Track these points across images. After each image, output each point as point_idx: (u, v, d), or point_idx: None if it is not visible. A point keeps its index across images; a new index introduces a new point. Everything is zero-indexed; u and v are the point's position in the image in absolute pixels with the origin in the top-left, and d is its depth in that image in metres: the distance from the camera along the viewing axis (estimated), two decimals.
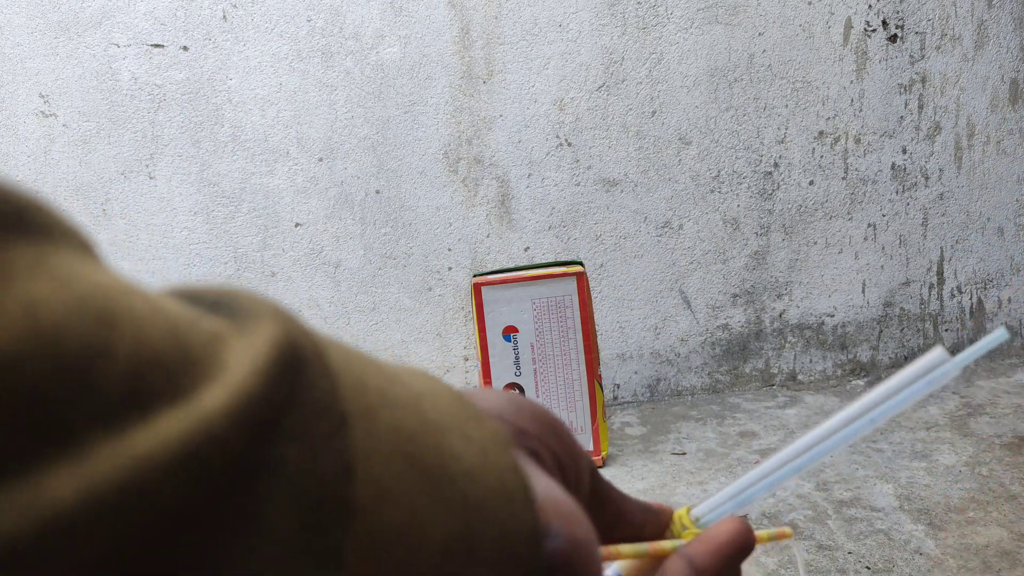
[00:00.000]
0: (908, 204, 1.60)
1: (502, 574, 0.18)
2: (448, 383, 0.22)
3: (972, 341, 1.66)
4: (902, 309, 1.63)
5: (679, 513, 0.29)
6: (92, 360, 0.13)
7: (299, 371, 0.16)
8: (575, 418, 1.27)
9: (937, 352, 0.27)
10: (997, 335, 0.26)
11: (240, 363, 0.15)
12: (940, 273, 1.63)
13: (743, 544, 0.26)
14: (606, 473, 1.22)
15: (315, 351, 0.17)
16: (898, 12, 1.54)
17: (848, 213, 1.58)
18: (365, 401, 0.17)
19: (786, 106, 1.53)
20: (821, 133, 1.55)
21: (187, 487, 0.13)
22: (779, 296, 1.58)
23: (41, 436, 0.12)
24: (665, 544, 0.27)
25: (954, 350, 1.65)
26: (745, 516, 0.29)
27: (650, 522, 0.27)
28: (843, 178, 1.57)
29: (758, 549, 0.99)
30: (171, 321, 0.15)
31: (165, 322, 0.15)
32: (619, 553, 0.26)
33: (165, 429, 0.13)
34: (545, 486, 0.20)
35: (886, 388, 0.27)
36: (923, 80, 1.57)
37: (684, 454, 1.29)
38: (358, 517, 0.16)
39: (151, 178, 1.41)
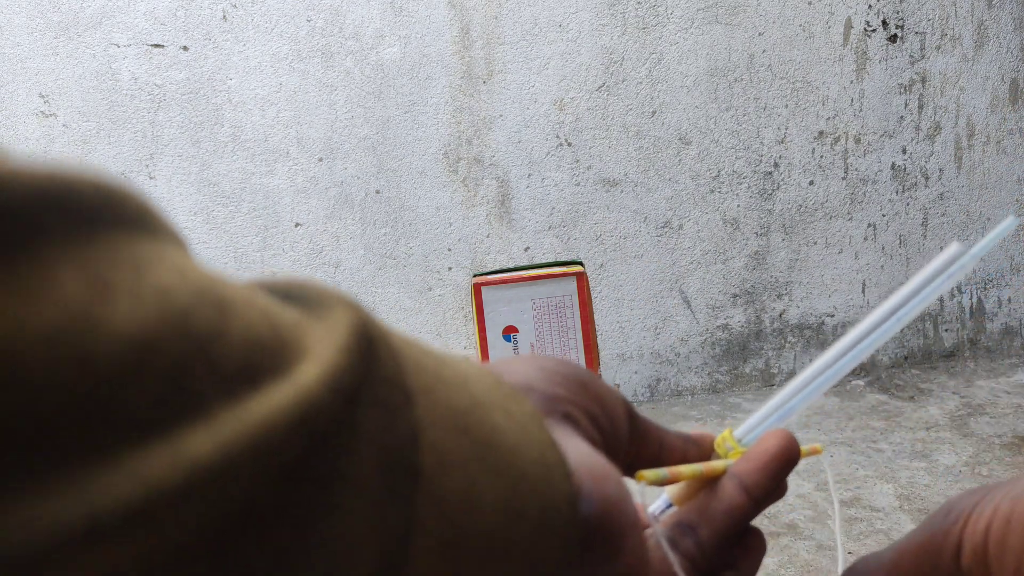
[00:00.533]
0: (908, 204, 1.60)
1: (545, 534, 0.19)
2: (484, 365, 0.23)
3: (972, 341, 1.66)
4: None
5: (722, 436, 0.30)
6: (213, 341, 0.15)
7: (372, 350, 0.18)
8: None
9: (954, 247, 0.27)
10: (1008, 223, 0.27)
11: (325, 344, 0.17)
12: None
13: (788, 456, 0.27)
14: None
15: (382, 334, 0.19)
16: (898, 12, 1.54)
17: (848, 213, 1.58)
18: (424, 379, 0.19)
19: (786, 106, 1.53)
20: (821, 133, 1.55)
21: (298, 445, 0.16)
22: (779, 296, 1.58)
23: (178, 404, 0.14)
24: (717, 464, 0.27)
25: (955, 349, 1.65)
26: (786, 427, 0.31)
27: (692, 450, 0.29)
28: (843, 178, 1.57)
29: None
30: (265, 309, 0.17)
31: (262, 309, 0.17)
32: (679, 475, 0.26)
33: (277, 398, 0.15)
34: (578, 451, 0.22)
35: (909, 288, 0.28)
36: (923, 80, 1.57)
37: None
38: (424, 480, 0.18)
39: (151, 178, 1.41)
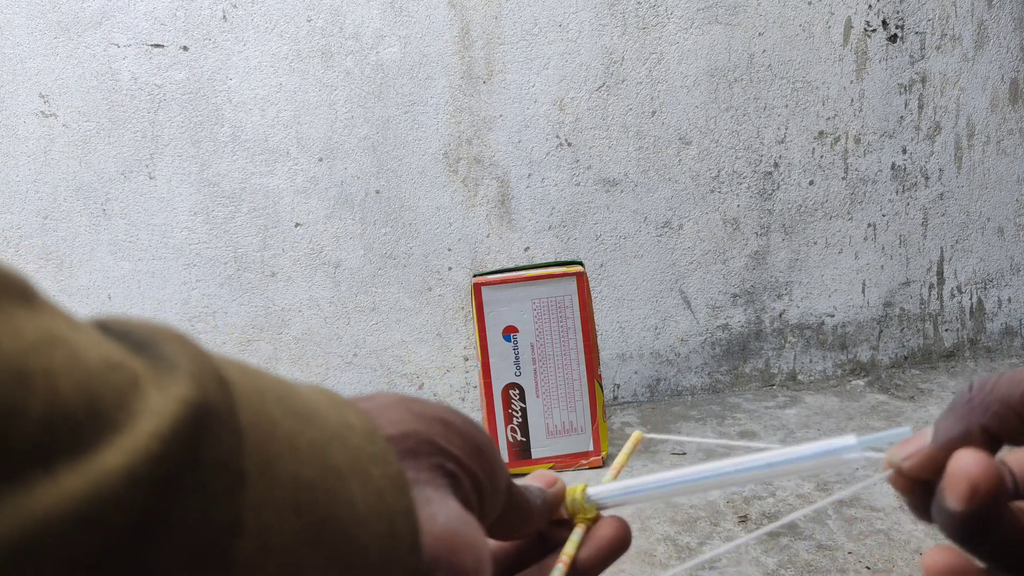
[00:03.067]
0: (908, 204, 1.60)
1: None
2: (367, 411, 0.22)
3: (972, 341, 1.66)
4: (902, 309, 1.63)
5: (573, 490, 0.31)
6: (5, 419, 0.14)
7: (204, 430, 0.17)
8: (575, 418, 1.27)
9: (851, 439, 0.29)
10: (902, 431, 0.29)
11: (145, 422, 0.16)
12: (940, 273, 1.63)
13: (622, 546, 0.30)
14: (605, 473, 1.22)
15: (227, 408, 0.18)
16: (898, 12, 1.55)
17: (848, 213, 1.58)
18: (269, 452, 0.18)
19: (786, 106, 1.53)
20: (821, 133, 1.55)
21: (85, 542, 0.14)
22: (779, 296, 1.58)
23: None
24: (569, 550, 0.29)
25: (954, 351, 1.65)
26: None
27: (544, 519, 0.30)
28: (843, 178, 1.57)
29: (758, 548, 0.99)
30: (86, 373, 0.16)
31: (80, 375, 0.16)
32: None
33: (66, 486, 0.14)
34: (447, 516, 0.22)
35: (790, 452, 0.30)
36: (923, 80, 1.57)
37: (684, 454, 1.29)
38: (240, 568, 0.17)
39: (151, 178, 1.41)
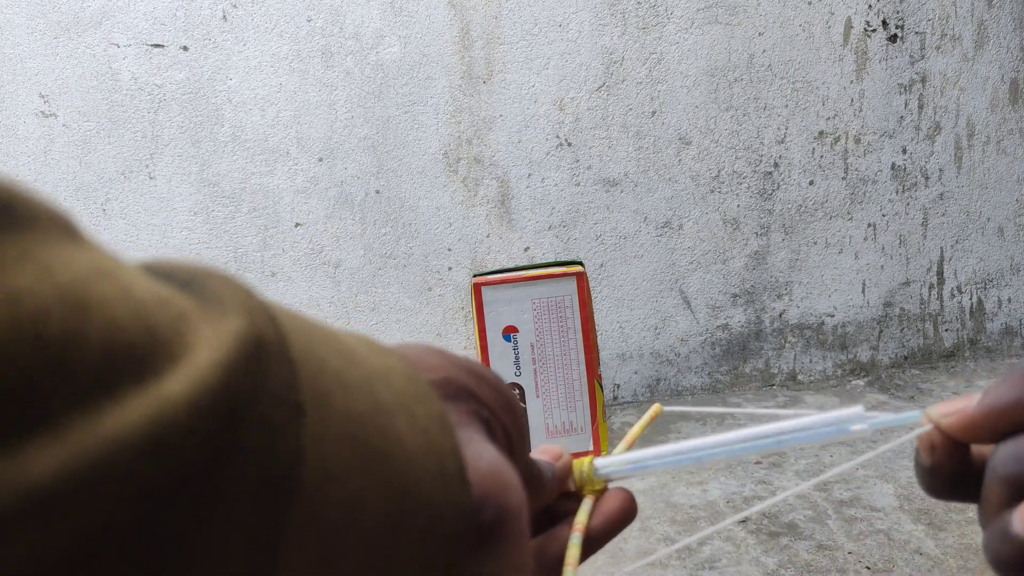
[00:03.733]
0: (908, 204, 1.60)
1: (431, 542, 0.19)
2: (405, 356, 0.23)
3: (972, 341, 1.66)
4: (902, 309, 1.63)
5: (581, 462, 0.32)
6: (68, 346, 0.14)
7: (260, 362, 0.17)
8: (575, 418, 1.27)
9: (856, 409, 0.29)
10: (912, 415, 0.28)
11: (203, 353, 0.16)
12: (940, 273, 1.63)
13: (628, 518, 0.31)
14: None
15: (278, 341, 0.18)
16: (898, 12, 1.55)
17: (848, 213, 1.58)
18: (321, 386, 0.18)
19: (786, 106, 1.53)
20: (821, 133, 1.55)
21: (154, 470, 0.15)
22: (779, 296, 1.58)
23: (22, 417, 0.13)
24: (581, 519, 0.30)
25: (955, 349, 1.65)
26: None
27: (557, 485, 0.31)
28: (843, 178, 1.57)
29: (758, 548, 0.99)
30: (141, 303, 0.16)
31: (135, 304, 0.16)
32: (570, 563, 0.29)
33: (133, 413, 0.14)
34: (489, 457, 0.22)
35: (801, 421, 0.30)
36: (923, 80, 1.57)
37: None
38: (303, 496, 0.17)
39: (151, 178, 1.41)
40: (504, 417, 0.25)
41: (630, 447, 0.34)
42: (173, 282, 0.18)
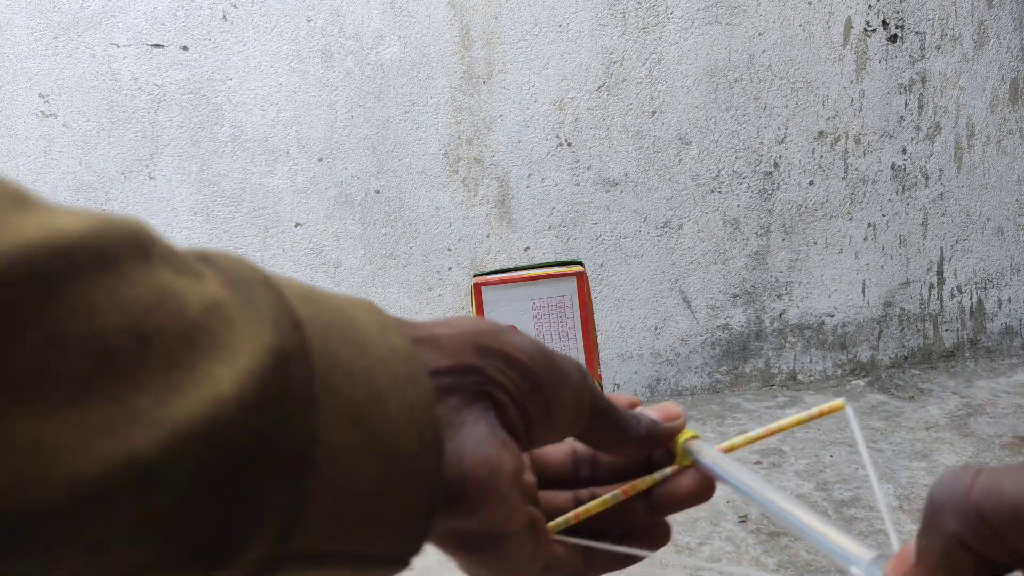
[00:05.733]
0: (908, 204, 1.60)
1: (412, 499, 0.25)
2: (408, 334, 0.27)
3: (972, 341, 1.66)
4: (902, 309, 1.63)
5: (684, 437, 0.33)
6: (132, 377, 0.19)
7: (286, 368, 0.22)
8: None
9: (865, 554, 0.29)
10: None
11: (244, 360, 0.21)
12: (940, 273, 1.63)
13: (701, 498, 0.34)
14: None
15: (302, 348, 0.23)
16: (898, 12, 1.54)
17: (848, 213, 1.58)
18: (331, 381, 0.23)
19: (786, 106, 1.53)
20: (821, 133, 1.55)
21: (209, 453, 0.20)
22: (779, 296, 1.58)
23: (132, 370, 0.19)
24: (639, 483, 0.32)
25: (955, 349, 1.65)
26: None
27: (644, 447, 0.33)
28: (843, 178, 1.57)
29: (758, 548, 0.99)
30: (192, 325, 0.20)
31: (187, 327, 0.20)
32: (589, 510, 0.31)
33: (191, 406, 0.19)
34: (472, 434, 0.26)
35: (818, 522, 0.30)
36: (923, 80, 1.57)
37: None
38: (316, 469, 0.22)
39: (151, 178, 1.41)
40: (522, 397, 0.28)
41: (753, 440, 0.35)
42: (225, 277, 0.23)
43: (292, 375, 0.22)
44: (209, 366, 0.20)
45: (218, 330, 0.21)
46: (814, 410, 0.36)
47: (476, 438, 0.26)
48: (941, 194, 1.61)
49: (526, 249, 1.50)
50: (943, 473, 0.23)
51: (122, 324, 0.19)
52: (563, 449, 0.34)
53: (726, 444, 0.34)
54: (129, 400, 0.18)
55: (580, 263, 1.29)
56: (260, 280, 0.23)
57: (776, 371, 1.59)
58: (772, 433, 0.34)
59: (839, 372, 1.61)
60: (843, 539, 0.28)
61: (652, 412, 0.33)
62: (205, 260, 0.23)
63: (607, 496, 0.32)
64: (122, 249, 0.20)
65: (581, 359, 1.26)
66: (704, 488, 0.33)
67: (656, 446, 0.33)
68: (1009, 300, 1.67)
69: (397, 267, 1.48)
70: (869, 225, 1.59)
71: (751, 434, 0.35)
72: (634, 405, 0.33)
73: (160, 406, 0.19)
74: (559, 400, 0.29)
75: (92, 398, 0.18)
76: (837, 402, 0.35)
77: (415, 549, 0.26)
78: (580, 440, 0.31)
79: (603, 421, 0.31)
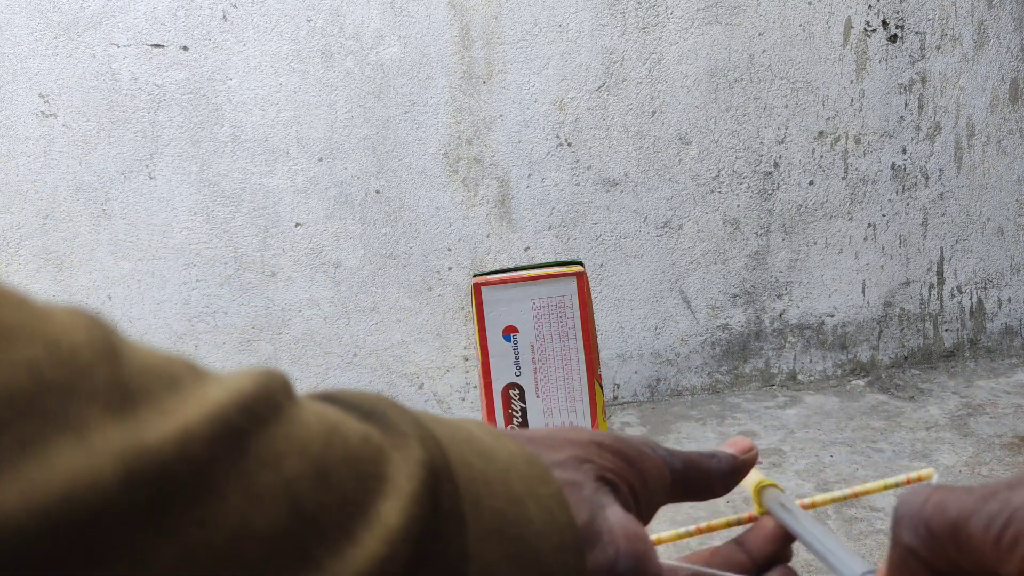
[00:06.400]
0: (908, 204, 1.60)
1: None
2: (522, 442, 0.28)
3: (972, 341, 1.66)
4: (902, 309, 1.63)
5: (760, 483, 0.35)
6: (316, 517, 0.19)
7: (438, 487, 0.22)
8: (575, 418, 1.27)
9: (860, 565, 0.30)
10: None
11: (403, 482, 0.21)
12: (940, 273, 1.63)
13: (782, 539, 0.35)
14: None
15: (445, 463, 0.23)
16: (898, 12, 1.54)
17: (848, 213, 1.58)
18: (473, 493, 0.24)
19: (786, 106, 1.53)
20: (821, 133, 1.55)
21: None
22: (779, 296, 1.58)
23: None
24: (714, 523, 0.34)
25: (955, 349, 1.65)
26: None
27: (731, 482, 0.34)
28: (843, 178, 1.57)
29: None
30: (355, 455, 0.21)
31: (353, 460, 0.21)
32: (660, 540, 0.33)
33: (369, 548, 0.20)
34: (615, 516, 0.27)
35: (826, 535, 0.33)
36: (923, 80, 1.57)
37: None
38: None
39: (151, 178, 1.41)
40: (626, 473, 0.29)
41: (834, 500, 0.36)
42: (358, 412, 0.23)
43: (443, 491, 0.22)
44: (377, 500, 0.20)
45: (376, 459, 0.21)
46: (902, 477, 0.37)
47: (619, 516, 0.27)
48: (941, 194, 1.61)
49: (526, 249, 1.50)
50: (904, 491, 0.26)
51: (305, 467, 0.19)
52: None
53: (808, 500, 0.36)
54: (315, 557, 0.18)
55: (580, 263, 1.29)
56: (389, 405, 0.24)
57: (776, 371, 1.59)
58: (857, 495, 0.36)
59: (839, 372, 1.61)
60: (846, 555, 0.30)
61: (728, 448, 0.34)
62: (332, 399, 0.24)
63: (681, 531, 0.34)
64: (282, 395, 0.20)
65: (581, 359, 1.26)
66: (779, 540, 0.35)
67: (739, 476, 0.34)
68: (1009, 300, 1.67)
69: (397, 267, 1.48)
70: (869, 225, 1.59)
71: (835, 493, 0.37)
72: (747, 449, 0.34)
73: (339, 557, 0.19)
74: (649, 470, 0.30)
75: (287, 560, 0.18)
76: (927, 471, 0.37)
77: None
78: (678, 499, 0.33)
79: (687, 472, 0.32)
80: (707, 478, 0.33)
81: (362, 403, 0.24)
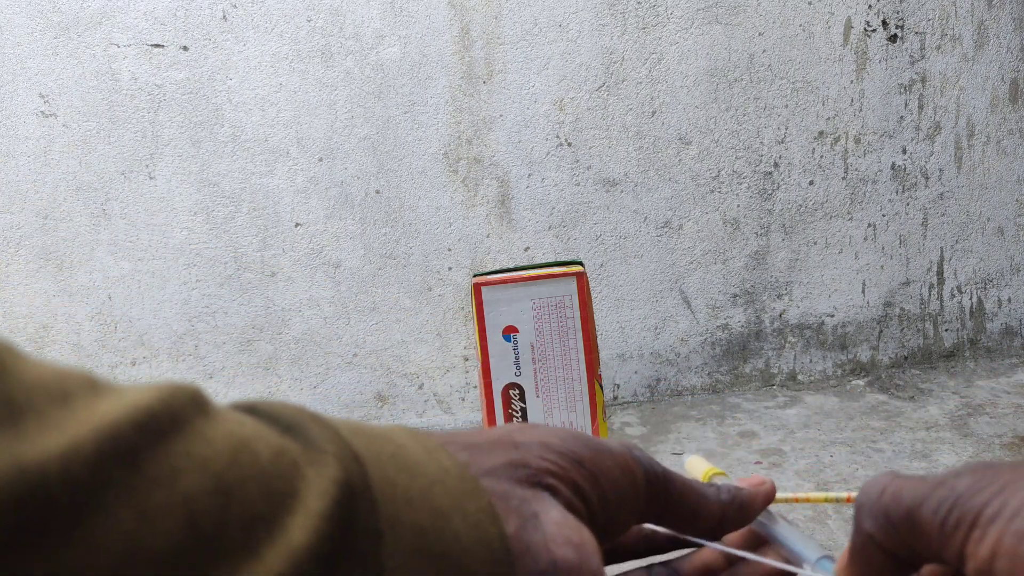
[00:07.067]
0: (908, 204, 1.60)
1: None
2: (454, 451, 0.27)
3: (972, 341, 1.66)
4: (902, 309, 1.63)
5: (705, 474, 0.34)
6: (219, 529, 0.19)
7: (354, 504, 0.22)
8: (575, 418, 1.27)
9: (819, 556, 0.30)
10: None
11: (314, 502, 0.21)
12: (940, 273, 1.63)
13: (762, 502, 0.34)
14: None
15: (364, 482, 0.22)
16: (898, 12, 1.55)
17: (848, 213, 1.58)
18: (393, 510, 0.23)
19: (786, 106, 1.53)
20: (821, 133, 1.55)
21: None
22: (779, 296, 1.58)
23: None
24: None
25: (955, 349, 1.65)
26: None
27: (731, 516, 0.32)
28: (843, 178, 1.57)
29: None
30: (264, 471, 0.20)
31: (261, 476, 0.20)
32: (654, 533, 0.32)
33: (273, 564, 0.19)
34: (551, 521, 0.26)
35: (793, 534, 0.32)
36: (923, 80, 1.57)
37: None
38: None
39: (151, 178, 1.41)
40: (571, 474, 0.28)
41: (810, 498, 0.37)
42: (278, 425, 0.23)
43: (359, 509, 0.22)
44: (283, 517, 0.20)
45: (288, 475, 0.21)
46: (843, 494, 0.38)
47: (554, 523, 0.26)
48: (941, 194, 1.61)
49: (526, 249, 1.50)
50: (866, 481, 0.27)
51: (206, 484, 0.19)
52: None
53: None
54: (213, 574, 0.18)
55: (580, 263, 1.29)
56: (311, 419, 0.23)
57: (776, 371, 1.59)
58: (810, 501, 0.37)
59: (839, 372, 1.61)
60: (804, 542, 0.30)
61: (740, 483, 0.32)
62: (253, 411, 0.23)
63: (788, 496, 0.33)
64: (189, 410, 0.20)
65: (581, 359, 1.26)
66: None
67: (745, 514, 0.31)
68: (1009, 300, 1.67)
69: (397, 267, 1.48)
70: (869, 225, 1.59)
71: (788, 495, 0.37)
72: (760, 482, 0.33)
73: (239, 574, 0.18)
74: (606, 469, 0.28)
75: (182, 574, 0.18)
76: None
77: None
78: (658, 523, 0.31)
79: (668, 491, 0.30)
80: (694, 507, 0.30)
81: (282, 416, 0.23)
